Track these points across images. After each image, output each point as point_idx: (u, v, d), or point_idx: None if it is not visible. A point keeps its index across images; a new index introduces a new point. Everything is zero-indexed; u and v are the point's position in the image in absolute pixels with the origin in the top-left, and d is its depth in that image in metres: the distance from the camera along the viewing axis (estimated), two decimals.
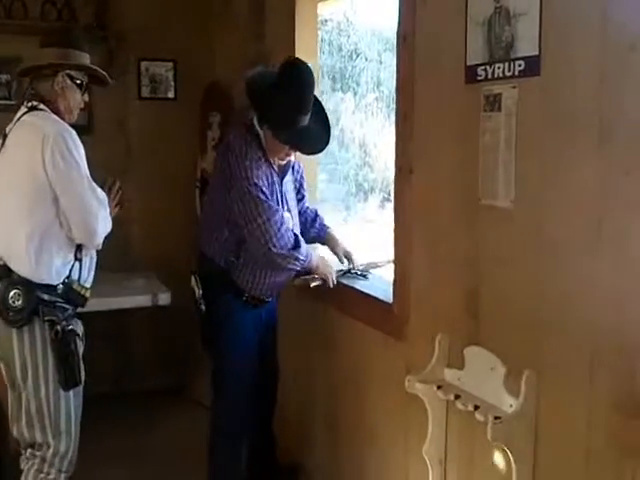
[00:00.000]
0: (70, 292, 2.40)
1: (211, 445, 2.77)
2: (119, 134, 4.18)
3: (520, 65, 1.78)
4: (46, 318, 2.33)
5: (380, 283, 2.73)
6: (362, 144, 8.79)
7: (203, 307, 2.71)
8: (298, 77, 2.56)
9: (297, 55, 3.06)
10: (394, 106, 2.41)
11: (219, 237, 2.68)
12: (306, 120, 2.60)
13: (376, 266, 2.93)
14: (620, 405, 1.55)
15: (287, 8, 3.22)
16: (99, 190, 2.44)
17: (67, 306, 2.40)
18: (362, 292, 2.68)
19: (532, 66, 1.74)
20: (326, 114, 2.74)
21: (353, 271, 2.88)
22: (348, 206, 8.77)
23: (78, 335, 2.42)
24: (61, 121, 2.38)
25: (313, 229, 3.01)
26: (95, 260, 2.54)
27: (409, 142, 2.29)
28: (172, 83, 4.28)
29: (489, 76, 1.88)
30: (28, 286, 2.32)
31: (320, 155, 3.14)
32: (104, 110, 4.06)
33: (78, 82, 2.48)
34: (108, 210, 2.48)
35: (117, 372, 4.08)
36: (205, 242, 2.75)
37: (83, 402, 2.48)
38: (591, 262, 1.61)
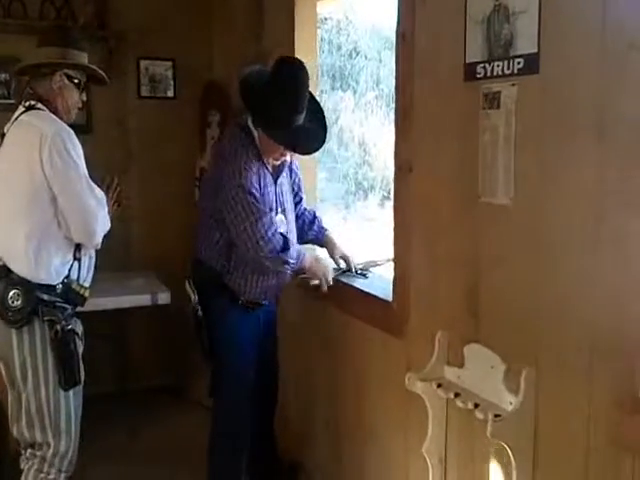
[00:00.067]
0: (69, 292, 2.39)
1: (211, 445, 2.76)
2: (118, 133, 4.18)
3: (519, 63, 1.77)
4: (45, 318, 2.33)
5: (380, 281, 2.73)
6: (362, 143, 8.79)
7: (200, 313, 2.67)
8: (291, 76, 2.51)
9: (296, 54, 3.06)
10: (393, 104, 2.41)
11: (211, 240, 2.65)
12: (301, 119, 2.56)
13: (376, 264, 2.92)
14: (619, 402, 1.55)
15: (286, 7, 3.22)
16: (97, 189, 2.44)
17: (66, 306, 2.39)
18: (362, 291, 2.68)
19: (531, 64, 1.74)
20: (322, 112, 2.69)
21: (351, 273, 2.87)
22: (348, 205, 8.78)
23: (78, 335, 2.42)
24: (59, 120, 2.38)
25: (311, 232, 2.98)
26: (94, 259, 2.53)
27: (408, 140, 2.29)
28: (171, 82, 4.28)
29: (488, 74, 1.88)
30: (27, 286, 2.32)
31: (319, 154, 3.13)
32: (103, 109, 4.06)
33: (76, 81, 2.47)
34: (106, 209, 2.47)
35: (117, 372, 4.07)
36: (198, 245, 2.72)
37: (83, 402, 2.48)
38: (590, 260, 1.61)
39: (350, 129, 8.58)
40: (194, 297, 2.68)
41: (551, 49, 1.69)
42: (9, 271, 2.34)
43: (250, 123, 2.62)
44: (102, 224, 2.43)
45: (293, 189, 2.90)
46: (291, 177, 2.88)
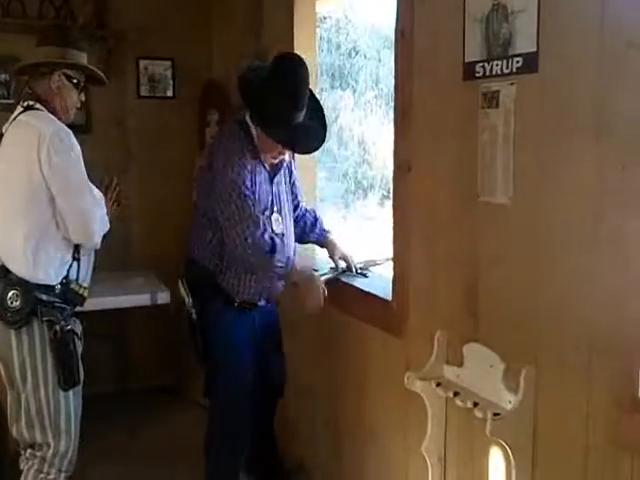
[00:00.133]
0: (68, 292, 2.39)
1: (207, 445, 2.74)
2: (118, 133, 4.18)
3: (518, 62, 1.77)
4: (45, 318, 2.32)
5: (379, 281, 2.73)
6: (361, 142, 8.79)
7: (194, 316, 2.63)
8: (291, 72, 2.45)
9: (296, 52, 3.05)
10: (393, 103, 2.40)
11: (204, 239, 2.61)
12: (301, 117, 2.50)
13: (375, 264, 2.92)
14: (618, 401, 1.55)
15: (285, 6, 3.22)
16: (96, 190, 2.43)
17: (65, 306, 2.39)
18: (361, 290, 2.67)
19: (530, 63, 1.74)
20: (322, 110, 2.63)
21: (351, 273, 2.86)
22: (347, 204, 8.78)
23: (77, 335, 2.42)
24: (57, 121, 2.37)
25: (313, 234, 2.95)
26: (93, 259, 2.53)
27: (407, 139, 2.29)
28: (170, 82, 4.28)
29: (487, 73, 1.88)
30: (26, 287, 2.32)
31: (319, 153, 3.11)
32: (103, 109, 4.07)
33: (75, 81, 2.47)
34: (105, 210, 2.47)
35: (116, 371, 4.08)
36: (192, 244, 2.68)
37: (82, 401, 2.48)
38: (589, 259, 1.61)
39: (349, 128, 8.58)
40: (188, 299, 2.65)
41: (550, 48, 1.69)
42: (8, 271, 2.33)
43: (248, 119, 2.57)
44: (100, 225, 2.43)
45: (292, 190, 2.85)
46: (290, 178, 2.84)
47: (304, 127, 2.52)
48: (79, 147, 2.37)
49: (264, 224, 2.51)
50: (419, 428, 2.18)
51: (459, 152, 2.03)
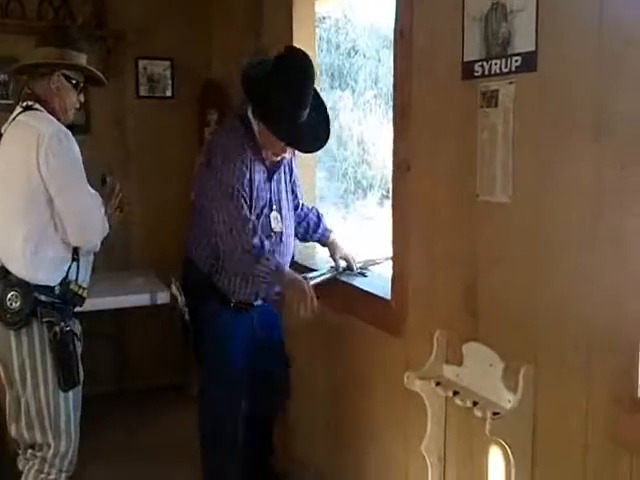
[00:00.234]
0: (68, 292, 2.38)
1: (200, 444, 2.73)
2: (117, 133, 4.18)
3: (517, 61, 1.78)
4: (44, 319, 2.32)
5: (379, 280, 2.73)
6: (360, 141, 8.78)
7: (187, 316, 2.60)
8: (298, 68, 2.40)
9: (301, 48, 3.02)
10: (392, 103, 2.40)
11: (201, 238, 2.57)
12: (305, 115, 2.45)
13: (375, 263, 2.92)
14: (617, 400, 1.55)
15: (285, 6, 3.22)
16: (95, 193, 2.42)
17: (65, 306, 2.39)
18: (360, 289, 2.67)
19: (529, 62, 1.74)
20: (326, 109, 2.58)
21: (351, 272, 2.86)
22: (347, 204, 8.77)
23: (76, 335, 2.41)
24: (56, 121, 2.36)
25: (316, 234, 2.92)
26: (92, 260, 2.52)
27: (407, 139, 2.29)
28: (170, 81, 4.28)
29: (486, 72, 1.88)
30: (25, 288, 2.31)
31: (318, 153, 3.10)
32: (102, 109, 4.07)
33: (74, 82, 2.46)
34: (103, 211, 2.45)
35: (116, 371, 4.08)
36: (189, 244, 2.65)
37: (82, 401, 2.48)
38: (588, 258, 1.62)
39: (349, 128, 8.58)
40: (180, 299, 2.63)
41: (549, 47, 1.69)
42: (7, 272, 2.33)
43: (250, 115, 2.52)
44: (99, 228, 2.41)
45: (292, 189, 2.82)
46: (291, 176, 2.80)
47: (308, 125, 2.47)
48: (78, 148, 2.36)
49: (255, 227, 2.47)
50: (419, 427, 2.18)
51: (458, 151, 2.03)
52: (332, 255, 2.90)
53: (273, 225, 2.59)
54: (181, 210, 4.08)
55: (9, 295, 2.31)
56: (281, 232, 2.62)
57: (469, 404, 1.88)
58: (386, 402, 2.50)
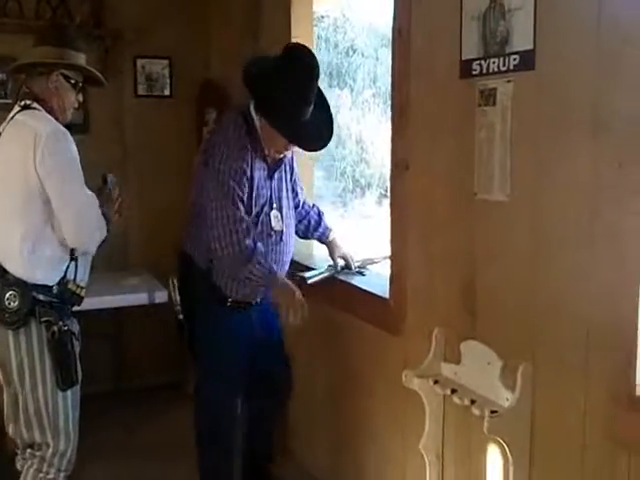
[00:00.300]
0: (66, 292, 2.37)
1: (195, 443, 2.72)
2: (115, 132, 4.17)
3: (515, 59, 1.78)
4: (42, 319, 2.31)
5: (377, 279, 2.73)
6: (359, 140, 8.79)
7: (180, 316, 2.57)
8: (303, 64, 2.35)
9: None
10: (390, 102, 2.40)
11: (199, 237, 2.53)
12: (309, 112, 2.40)
13: (373, 262, 2.92)
14: (615, 398, 1.55)
15: (283, 4, 3.22)
16: (92, 194, 2.40)
17: (63, 306, 2.38)
18: (359, 288, 2.67)
19: (527, 60, 1.74)
20: (329, 107, 2.54)
21: (349, 271, 2.86)
22: (345, 203, 8.78)
23: (74, 335, 2.41)
24: (54, 121, 2.35)
25: (316, 232, 2.91)
26: (91, 259, 2.52)
27: (405, 138, 2.29)
28: (168, 80, 4.27)
29: (484, 71, 1.89)
30: (23, 287, 2.30)
31: (317, 152, 3.09)
32: (100, 108, 4.06)
33: (73, 82, 2.45)
34: (100, 212, 2.42)
35: (114, 370, 4.08)
36: (188, 242, 2.63)
37: (81, 400, 2.48)
38: (585, 255, 1.62)
39: (347, 127, 8.58)
40: (175, 298, 2.61)
41: (547, 46, 1.69)
42: (5, 272, 2.32)
43: (252, 110, 2.47)
44: (95, 228, 2.38)
45: (293, 188, 2.79)
46: (291, 175, 2.77)
47: (312, 123, 2.44)
48: (75, 148, 2.35)
49: (249, 228, 2.43)
50: (417, 426, 2.18)
51: (456, 150, 2.04)
52: (331, 254, 2.90)
53: (273, 224, 2.57)
54: (180, 209, 4.06)
55: (7, 295, 2.30)
56: (281, 231, 2.59)
57: (467, 402, 1.88)
58: (385, 401, 2.51)
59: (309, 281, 2.77)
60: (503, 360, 1.84)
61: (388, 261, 2.49)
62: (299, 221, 2.85)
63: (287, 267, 2.66)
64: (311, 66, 2.38)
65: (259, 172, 2.50)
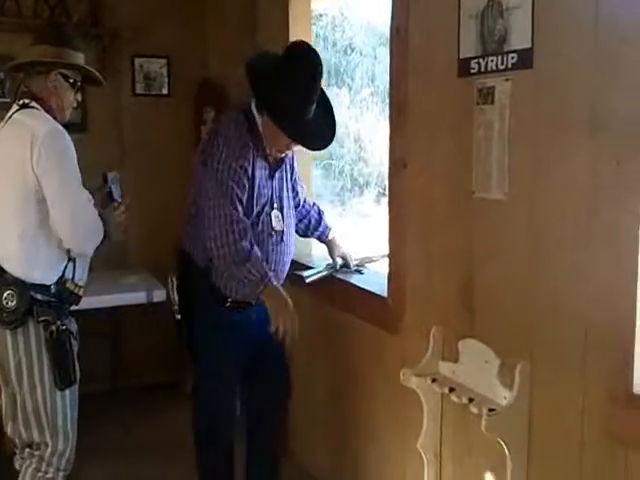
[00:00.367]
0: (64, 291, 2.37)
1: (193, 441, 2.70)
2: (114, 131, 4.17)
3: (513, 58, 1.78)
4: (40, 318, 2.30)
5: (375, 278, 2.73)
6: (357, 139, 8.80)
7: (178, 316, 2.55)
8: (307, 62, 2.32)
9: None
10: (388, 100, 2.40)
11: (199, 237, 2.48)
12: (312, 111, 2.37)
13: (371, 260, 2.92)
14: (613, 396, 1.56)
15: (281, 3, 3.21)
16: (87, 193, 2.39)
17: (61, 305, 2.38)
18: (357, 287, 2.68)
19: (525, 59, 1.74)
20: (332, 107, 2.51)
21: (348, 270, 2.86)
22: (343, 201, 8.78)
23: (72, 334, 2.40)
24: (52, 120, 2.34)
25: (316, 231, 2.90)
26: (89, 258, 2.51)
27: (403, 136, 2.29)
28: (166, 79, 4.27)
29: (482, 69, 1.89)
30: (21, 286, 2.30)
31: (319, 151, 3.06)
32: (98, 107, 4.05)
33: (71, 81, 2.45)
34: (97, 212, 2.42)
35: (113, 369, 4.08)
36: (187, 240, 2.60)
37: (79, 400, 2.48)
38: (583, 254, 1.62)
39: (345, 125, 8.58)
40: (173, 297, 2.60)
41: (545, 44, 1.69)
42: (3, 271, 2.32)
43: (254, 109, 2.45)
44: (91, 229, 2.37)
45: (293, 187, 2.76)
46: (292, 174, 2.74)
47: (315, 122, 2.42)
48: (73, 148, 2.34)
49: (245, 230, 2.40)
50: (416, 424, 2.18)
51: (454, 148, 2.04)
52: (330, 253, 2.89)
53: (274, 224, 2.54)
54: (178, 208, 4.05)
55: (5, 294, 2.29)
56: (282, 231, 2.57)
57: (465, 401, 1.88)
58: (384, 399, 2.51)
59: (307, 280, 2.77)
60: (501, 358, 1.85)
61: (386, 260, 2.49)
62: (299, 220, 2.84)
63: (288, 267, 2.65)
64: (315, 64, 2.36)
65: (260, 171, 2.48)
